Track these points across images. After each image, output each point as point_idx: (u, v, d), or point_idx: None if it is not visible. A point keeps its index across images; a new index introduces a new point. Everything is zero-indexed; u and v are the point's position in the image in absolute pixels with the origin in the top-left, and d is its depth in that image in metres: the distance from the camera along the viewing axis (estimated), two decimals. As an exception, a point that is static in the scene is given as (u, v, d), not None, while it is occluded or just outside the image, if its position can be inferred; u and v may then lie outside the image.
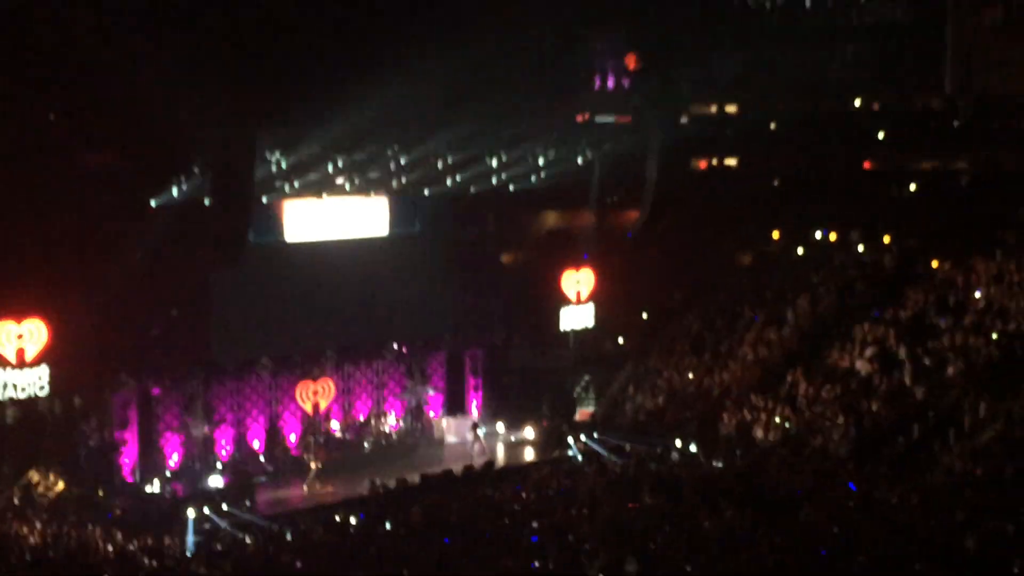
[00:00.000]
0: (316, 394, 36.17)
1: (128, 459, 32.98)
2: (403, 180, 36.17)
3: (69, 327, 31.28)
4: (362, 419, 37.49)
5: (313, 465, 33.44)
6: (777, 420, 33.95)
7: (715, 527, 25.77)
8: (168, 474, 33.10)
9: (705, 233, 41.36)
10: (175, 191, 31.96)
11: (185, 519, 29.05)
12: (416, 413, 38.69)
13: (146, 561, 23.98)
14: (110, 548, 24.09)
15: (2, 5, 28.29)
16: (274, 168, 33.43)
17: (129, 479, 32.80)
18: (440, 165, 36.51)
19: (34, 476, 30.44)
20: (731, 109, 45.19)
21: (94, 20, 28.15)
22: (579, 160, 39.39)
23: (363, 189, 35.59)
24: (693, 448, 33.28)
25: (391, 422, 37.86)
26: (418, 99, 34.03)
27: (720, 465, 31.11)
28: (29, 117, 29.89)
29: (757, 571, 22.48)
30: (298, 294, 35.40)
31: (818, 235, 42.04)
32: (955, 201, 38.68)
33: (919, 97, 41.66)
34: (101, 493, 31.20)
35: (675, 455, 32.81)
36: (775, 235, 42.69)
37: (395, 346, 38.42)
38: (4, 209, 29.92)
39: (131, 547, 25.06)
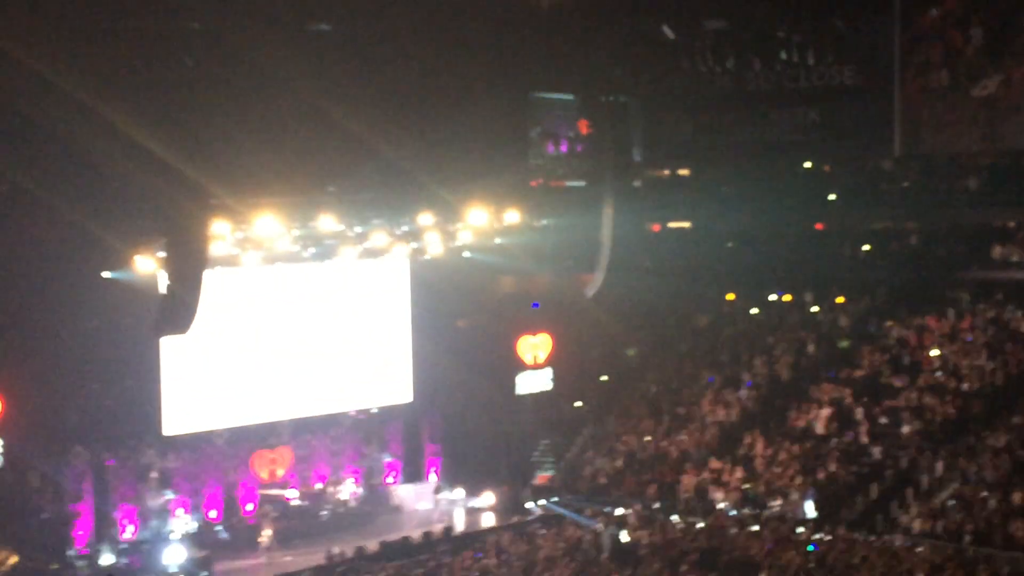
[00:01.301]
0: (272, 463, 35.94)
1: (83, 531, 32.56)
2: (362, 246, 36.10)
3: (22, 399, 30.95)
4: (319, 487, 37.21)
5: (264, 534, 33.16)
6: (736, 482, 34.02)
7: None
8: (124, 546, 32.65)
9: (661, 295, 41.54)
10: (128, 262, 31.75)
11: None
12: (374, 480, 38.45)
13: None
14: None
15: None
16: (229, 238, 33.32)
17: (84, 551, 32.36)
18: (397, 232, 36.49)
19: (-14, 551, 30.07)
20: (683, 172, 45.47)
21: (45, 86, 28.03)
22: (534, 224, 39.49)
23: (319, 256, 35.49)
24: (652, 512, 33.26)
25: (349, 490, 37.58)
26: (371, 166, 34.14)
27: (680, 529, 31.07)
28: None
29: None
30: (252, 362, 35.29)
31: (772, 296, 42.32)
32: (907, 260, 39.08)
33: (869, 158, 42.05)
34: (55, 566, 30.85)
35: (634, 519, 32.73)
36: (730, 296, 42.94)
37: (352, 413, 38.23)
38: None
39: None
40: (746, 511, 32.77)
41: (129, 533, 33.17)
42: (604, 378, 42.57)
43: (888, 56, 38.81)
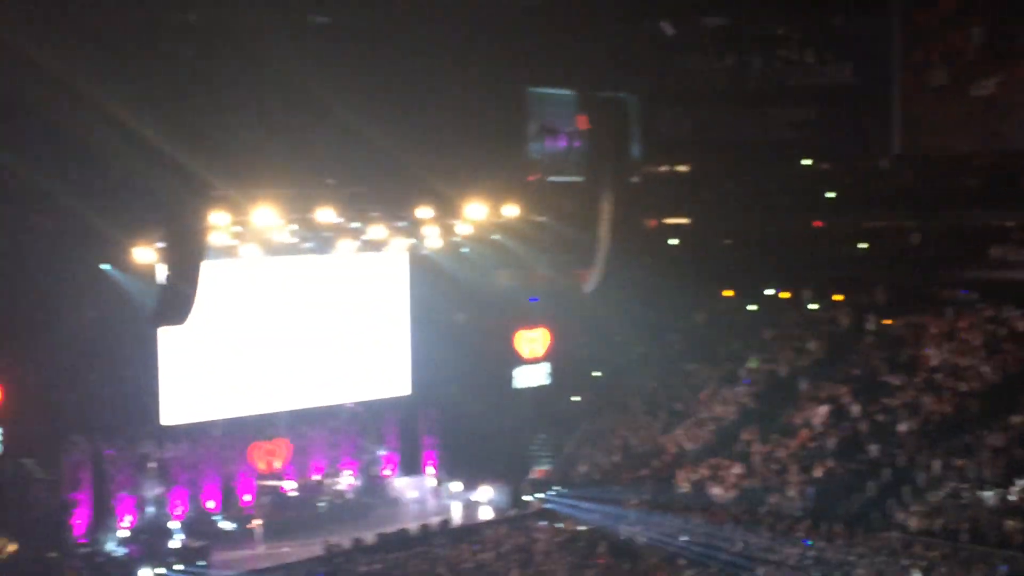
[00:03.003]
0: (270, 454, 35.98)
1: (81, 520, 32.62)
2: (360, 239, 36.13)
3: (21, 388, 31.03)
4: (317, 479, 37.24)
5: (255, 523, 33.23)
6: (733, 478, 34.07)
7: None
8: (122, 535, 32.67)
9: (658, 291, 41.57)
10: (127, 253, 31.76)
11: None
12: (371, 473, 38.49)
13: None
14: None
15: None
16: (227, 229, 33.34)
17: (82, 540, 32.42)
18: (396, 225, 36.50)
19: (-15, 538, 30.13)
20: (682, 168, 45.53)
21: (45, 78, 28.05)
22: (532, 219, 39.51)
23: (318, 249, 35.53)
24: (649, 507, 33.32)
25: (346, 481, 37.61)
26: (370, 159, 34.18)
27: (677, 524, 31.12)
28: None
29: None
30: (251, 353, 35.37)
31: (770, 293, 42.36)
32: (905, 259, 39.15)
33: (868, 157, 42.12)
34: (54, 555, 30.90)
35: (631, 514, 32.79)
36: (727, 293, 42.99)
37: (350, 406, 38.28)
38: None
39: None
40: (743, 507, 32.80)
41: (128, 522, 33.16)
42: (596, 374, 42.60)
43: (887, 55, 38.96)
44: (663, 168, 45.59)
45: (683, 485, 34.77)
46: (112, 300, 32.84)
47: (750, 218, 42.68)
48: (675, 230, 45.37)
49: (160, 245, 31.14)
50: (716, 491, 33.97)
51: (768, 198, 42.43)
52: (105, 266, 32.42)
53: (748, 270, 42.22)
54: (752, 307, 41.82)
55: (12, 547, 30.07)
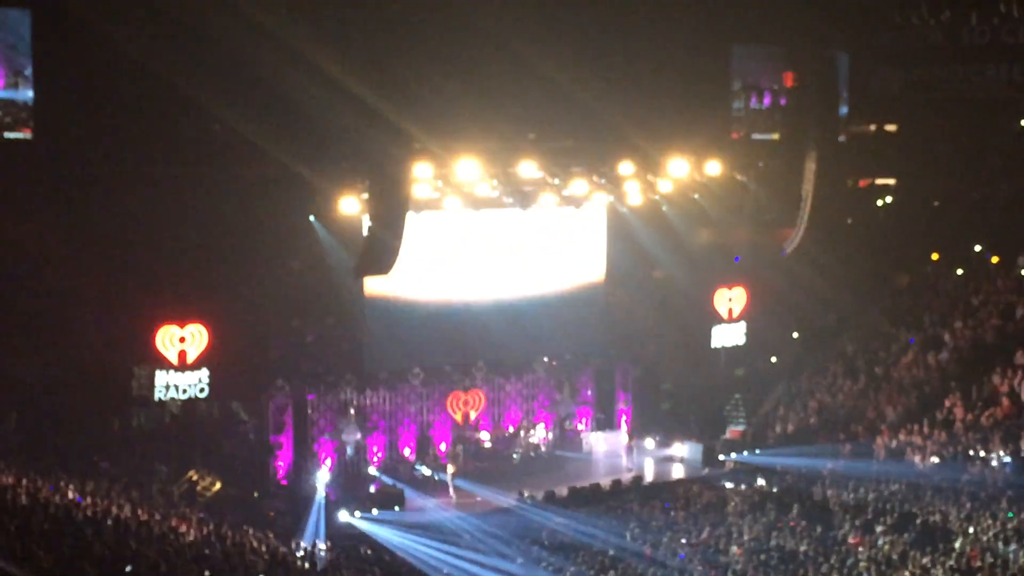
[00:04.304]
0: (466, 404, 36.60)
1: (283, 462, 33.68)
2: (561, 194, 36.29)
3: (229, 332, 32.21)
4: (511, 431, 37.67)
5: (450, 472, 33.74)
6: (933, 446, 33.25)
7: (869, 553, 25.44)
8: (322, 478, 33.57)
9: (860, 252, 40.76)
10: (335, 204, 32.49)
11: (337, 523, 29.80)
12: (565, 427, 38.77)
13: (298, 563, 24.42)
14: (264, 549, 24.55)
15: (172, 17, 29.04)
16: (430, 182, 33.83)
17: (283, 482, 33.49)
18: (596, 180, 36.49)
19: (193, 476, 31.30)
20: (891, 127, 44.44)
21: (255, 31, 28.78)
22: (734, 176, 39.11)
23: (519, 203, 35.80)
24: (845, 471, 32.77)
25: (540, 434, 37.97)
26: (573, 114, 34.25)
27: (875, 490, 30.53)
28: (197, 127, 30.74)
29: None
30: (451, 305, 35.98)
31: (977, 248, 41.12)
32: None
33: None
34: (256, 495, 31.99)
35: (826, 478, 32.30)
36: (934, 256, 41.88)
37: (545, 359, 38.56)
38: (170, 216, 30.85)
39: (283, 549, 25.52)
40: (944, 475, 32.00)
41: (327, 466, 34.10)
42: (796, 335, 42.01)
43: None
44: (871, 127, 44.60)
45: (881, 451, 34.11)
46: (318, 250, 33.80)
47: (961, 180, 41.50)
48: (881, 190, 44.39)
49: (365, 196, 31.82)
50: (916, 458, 33.23)
51: (980, 159, 41.17)
52: (311, 217, 33.33)
53: (956, 233, 41.09)
54: (959, 271, 40.63)
55: (218, 486, 31.23)
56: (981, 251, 40.97)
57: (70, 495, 25.17)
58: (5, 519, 19.98)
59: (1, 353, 30.31)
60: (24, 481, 24.93)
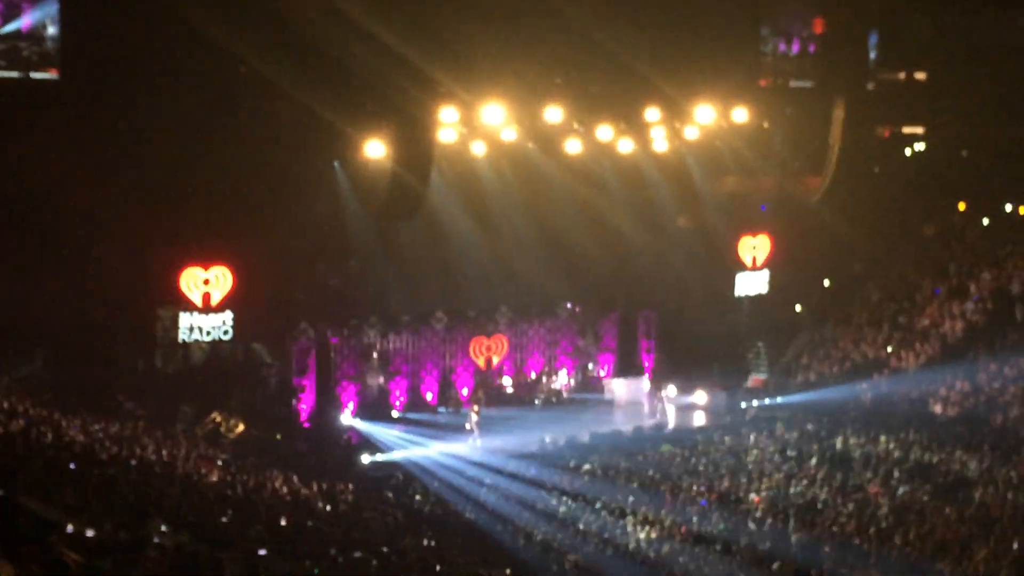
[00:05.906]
0: (489, 350, 36.72)
1: (306, 405, 33.86)
2: (586, 140, 36.19)
3: (253, 275, 32.28)
4: (533, 376, 37.76)
5: (472, 416, 33.73)
6: (955, 396, 33.19)
7: (889, 503, 25.44)
8: (344, 420, 33.78)
9: (887, 202, 40.52)
10: (360, 148, 32.46)
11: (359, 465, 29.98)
12: (587, 372, 38.84)
13: (320, 505, 24.56)
14: (286, 490, 24.69)
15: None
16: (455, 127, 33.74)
17: (306, 424, 33.67)
18: (622, 126, 36.34)
19: (217, 417, 31.47)
20: (920, 76, 44.03)
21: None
22: (762, 124, 38.88)
23: (543, 148, 35.72)
24: (866, 421, 32.73)
25: (562, 380, 38.06)
26: (599, 59, 34.07)
27: (894, 440, 30.47)
28: (224, 70, 30.65)
29: (932, 546, 22.23)
30: (475, 250, 36.01)
31: (1007, 208, 40.81)
32: None
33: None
34: (279, 436, 32.16)
35: (847, 427, 32.25)
36: (961, 206, 41.61)
37: (568, 305, 38.59)
38: (194, 158, 30.85)
39: (305, 491, 25.66)
40: (966, 426, 31.92)
41: (350, 409, 34.27)
42: (827, 283, 41.85)
43: None
44: (900, 75, 44.20)
45: (903, 402, 34.05)
46: (342, 194, 33.79)
47: (990, 129, 41.11)
48: (909, 139, 44.05)
49: (390, 140, 31.79)
50: (938, 408, 33.18)
51: (1011, 108, 40.76)
52: (336, 161, 33.32)
53: (985, 183, 40.78)
54: (986, 221, 40.37)
55: (242, 427, 31.40)
56: (1010, 203, 40.72)
57: (96, 434, 25.35)
58: (31, 457, 20.16)
59: (29, 292, 30.42)
60: (54, 417, 25.15)
